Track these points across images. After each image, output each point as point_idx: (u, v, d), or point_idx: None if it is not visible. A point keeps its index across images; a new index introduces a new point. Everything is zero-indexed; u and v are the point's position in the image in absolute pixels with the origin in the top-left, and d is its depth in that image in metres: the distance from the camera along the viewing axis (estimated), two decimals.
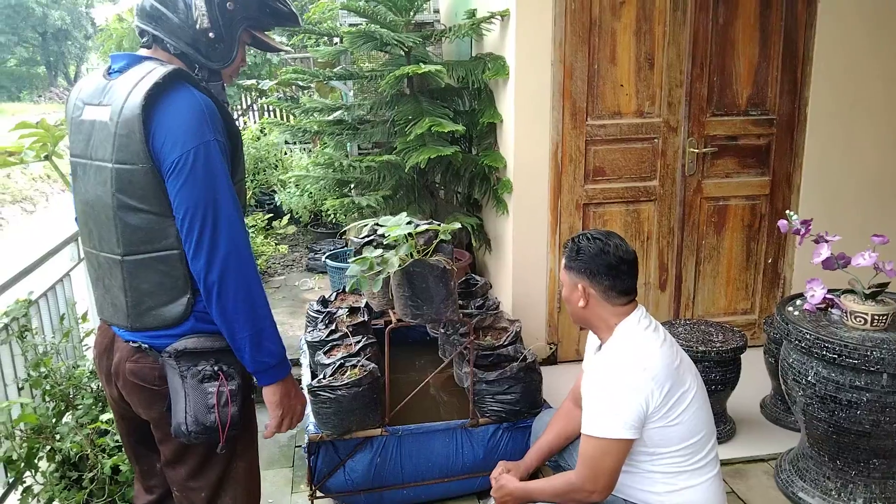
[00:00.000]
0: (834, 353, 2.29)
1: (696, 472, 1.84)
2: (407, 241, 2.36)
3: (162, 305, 1.55)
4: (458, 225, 2.48)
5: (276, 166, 6.37)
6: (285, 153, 6.55)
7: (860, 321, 2.37)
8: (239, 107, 7.69)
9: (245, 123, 6.97)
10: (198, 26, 1.55)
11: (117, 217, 1.51)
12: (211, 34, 1.57)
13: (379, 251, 2.36)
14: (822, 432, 2.43)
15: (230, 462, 1.68)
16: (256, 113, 9.13)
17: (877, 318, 2.34)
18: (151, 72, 1.49)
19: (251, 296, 1.52)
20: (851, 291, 2.46)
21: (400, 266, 2.33)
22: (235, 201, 1.52)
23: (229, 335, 1.54)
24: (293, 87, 6.31)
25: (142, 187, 1.48)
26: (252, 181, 5.83)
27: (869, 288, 2.38)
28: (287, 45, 1.78)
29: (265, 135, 6.31)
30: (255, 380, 1.67)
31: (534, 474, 2.20)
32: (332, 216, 5.36)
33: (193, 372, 1.54)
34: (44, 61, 28.25)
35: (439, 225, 2.42)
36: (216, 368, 1.55)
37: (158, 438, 1.67)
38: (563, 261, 1.96)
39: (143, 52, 1.62)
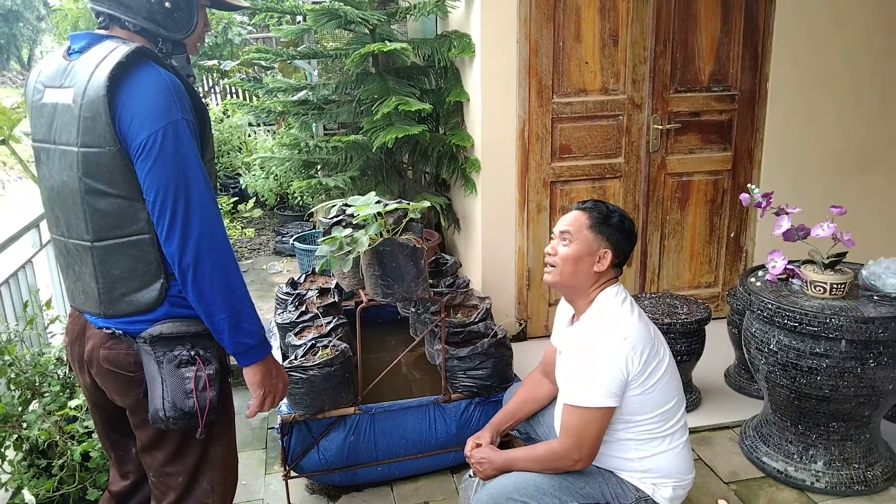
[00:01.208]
0: (794, 322, 2.36)
1: (667, 438, 1.90)
2: (376, 220, 2.36)
3: (135, 291, 1.53)
4: (427, 204, 2.48)
5: (241, 149, 6.28)
6: (249, 135, 6.46)
7: (819, 290, 2.44)
8: (201, 89, 7.54)
9: (208, 105, 6.85)
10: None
11: (85, 202, 1.48)
12: (167, 3, 1.52)
13: (348, 231, 2.36)
14: (784, 398, 2.50)
15: (207, 446, 1.67)
16: (218, 95, 8.98)
17: (835, 286, 2.42)
18: (114, 51, 1.45)
19: (227, 277, 1.50)
20: (811, 262, 2.53)
21: (370, 245, 2.32)
22: (206, 181, 1.49)
23: (207, 317, 1.52)
24: (256, 67, 6.21)
25: (109, 171, 1.44)
26: (216, 164, 5.75)
27: (828, 258, 2.45)
28: (244, 5, 1.73)
29: (228, 117, 6.21)
30: (232, 362, 1.67)
31: (505, 446, 2.23)
32: (299, 198, 5.32)
33: (170, 357, 1.52)
34: None
35: (408, 204, 2.42)
36: (193, 353, 1.54)
37: (134, 424, 1.65)
38: (587, 220, 1.92)
39: (103, 31, 1.57)
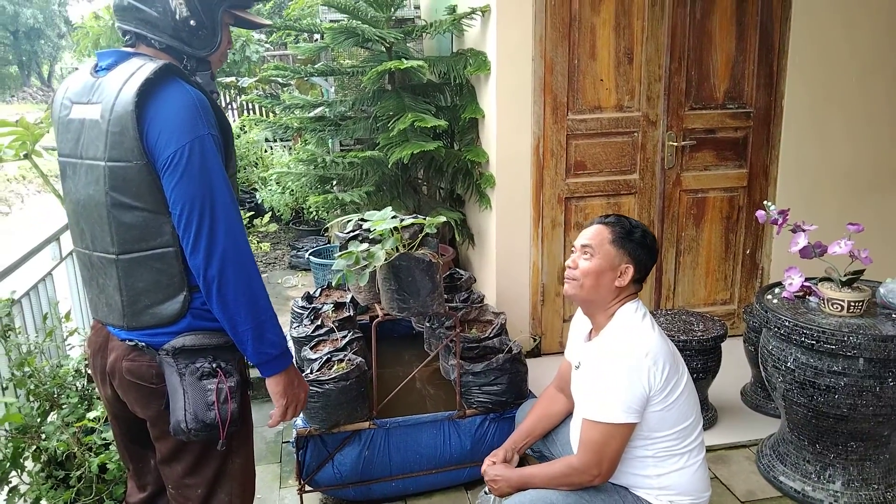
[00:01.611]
0: (812, 339, 2.34)
1: (685, 455, 1.89)
2: (392, 234, 2.38)
3: (158, 304, 1.55)
4: (442, 218, 2.50)
5: (257, 164, 6.34)
6: (265, 151, 6.53)
7: (837, 308, 2.43)
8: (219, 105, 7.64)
9: None
10: (177, 16, 1.55)
11: (111, 216, 1.50)
12: (192, 22, 1.56)
13: (365, 245, 2.38)
14: (801, 417, 2.48)
15: (226, 458, 1.68)
16: (235, 111, 9.08)
17: (853, 304, 2.40)
18: (141, 67, 1.48)
19: (251, 288, 1.52)
20: (828, 279, 2.52)
21: (386, 260, 2.34)
22: (231, 194, 1.52)
23: (231, 328, 1.53)
24: (273, 84, 6.28)
25: (136, 185, 1.47)
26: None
27: (845, 275, 2.44)
28: (267, 24, 1.78)
29: (245, 132, 6.28)
30: (252, 374, 1.68)
31: (521, 464, 2.23)
32: (315, 213, 5.37)
33: (192, 369, 1.54)
34: (16, 60, 27.78)
35: (424, 219, 2.43)
36: (214, 365, 1.55)
37: (154, 436, 1.67)
38: (609, 234, 1.92)
39: (129, 49, 1.61)
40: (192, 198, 1.46)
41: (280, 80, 5.10)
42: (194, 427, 1.52)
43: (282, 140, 6.67)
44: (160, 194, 1.48)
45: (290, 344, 3.10)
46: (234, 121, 6.73)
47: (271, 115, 5.60)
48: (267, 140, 6.54)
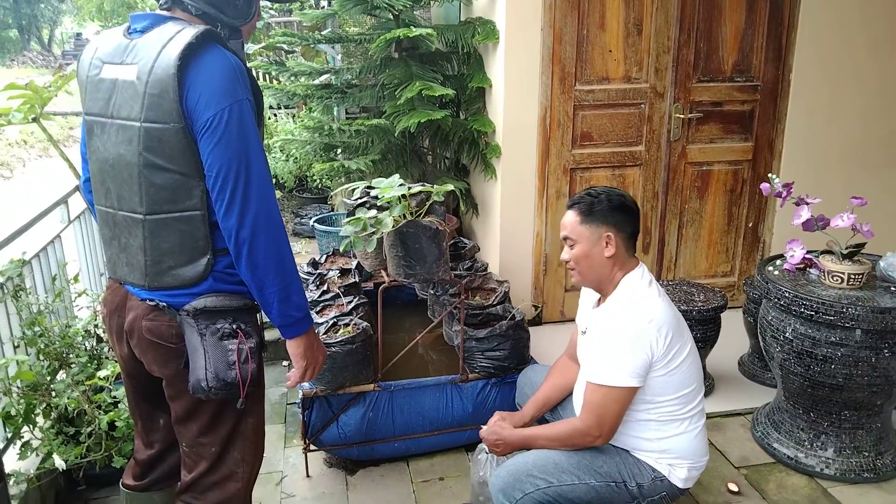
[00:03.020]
0: (811, 311, 2.38)
1: (686, 420, 1.93)
2: (400, 202, 2.40)
3: (182, 265, 1.56)
4: (450, 186, 2.52)
5: None
6: (269, 118, 6.50)
7: (837, 280, 2.46)
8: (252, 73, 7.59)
9: None
10: None
11: (142, 176, 1.52)
12: None
13: (373, 212, 2.40)
14: (797, 386, 2.53)
15: (240, 418, 1.72)
16: None
17: (853, 276, 2.44)
18: (181, 31, 1.49)
19: (280, 251, 1.54)
20: (829, 252, 2.55)
21: (394, 227, 2.37)
22: (265, 160, 1.54)
23: (258, 290, 1.55)
24: (277, 50, 6.24)
25: (171, 147, 1.49)
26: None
27: (846, 248, 2.47)
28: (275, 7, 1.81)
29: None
30: (264, 337, 1.72)
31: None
32: (318, 181, 5.37)
33: (212, 329, 1.56)
34: (15, 24, 27.47)
35: (432, 187, 2.46)
36: (235, 326, 1.57)
37: (170, 395, 1.70)
38: (578, 216, 1.94)
39: (165, 13, 1.61)
40: (228, 160, 1.48)
41: (285, 46, 5.08)
42: (215, 385, 1.55)
43: (286, 108, 6.64)
44: (193, 157, 1.50)
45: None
46: None
47: (275, 82, 5.58)
48: (271, 108, 6.51)
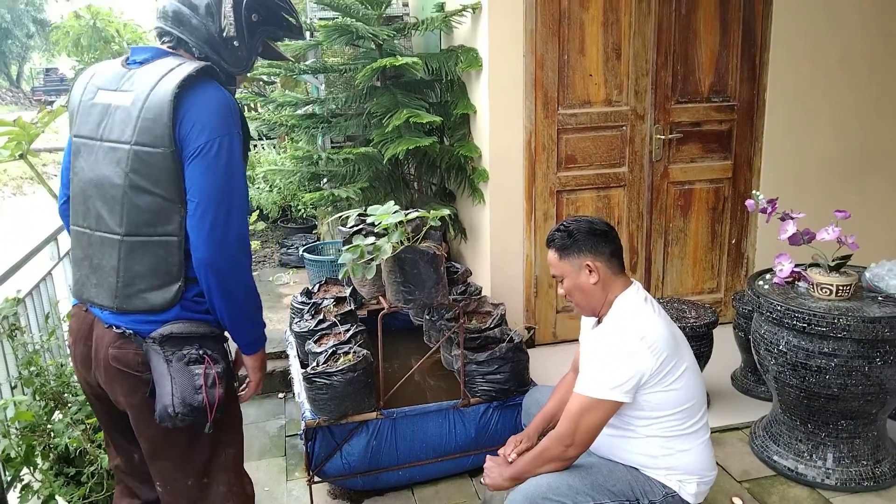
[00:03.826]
0: (803, 323, 2.44)
1: (690, 436, 1.96)
2: (398, 228, 2.42)
3: (152, 290, 1.59)
4: (446, 211, 2.56)
5: None
6: (251, 149, 6.52)
7: (826, 292, 2.52)
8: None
9: None
10: (224, 34, 1.65)
11: (126, 197, 1.56)
12: (235, 42, 1.67)
13: (371, 239, 2.42)
14: (793, 398, 2.58)
15: (217, 449, 1.72)
16: None
17: (841, 288, 2.50)
18: (182, 65, 1.57)
19: (250, 279, 1.63)
20: (816, 265, 2.62)
21: (392, 252, 2.39)
22: (247, 194, 1.61)
23: (230, 315, 1.62)
24: (257, 81, 6.27)
25: (158, 170, 1.54)
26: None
27: (833, 261, 2.54)
28: (288, 58, 1.90)
29: None
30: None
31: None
32: (303, 210, 5.38)
33: (179, 356, 1.57)
34: None
35: (429, 212, 2.49)
36: (201, 352, 1.60)
37: (137, 430, 1.68)
38: (556, 254, 2.01)
39: (167, 49, 1.69)
40: (213, 188, 1.53)
41: (265, 77, 5.11)
42: (181, 411, 1.55)
43: (268, 138, 6.66)
44: (178, 183, 1.55)
45: (291, 339, 3.14)
46: None
47: (253, 112, 5.60)
48: (252, 139, 6.53)
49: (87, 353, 1.69)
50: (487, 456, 2.15)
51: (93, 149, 1.62)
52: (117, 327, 1.61)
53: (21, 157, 3.12)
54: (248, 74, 1.83)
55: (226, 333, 1.71)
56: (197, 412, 1.57)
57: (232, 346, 1.75)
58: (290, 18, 1.77)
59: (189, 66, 1.56)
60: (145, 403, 1.62)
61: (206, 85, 1.57)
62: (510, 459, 2.06)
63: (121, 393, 1.66)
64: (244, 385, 1.85)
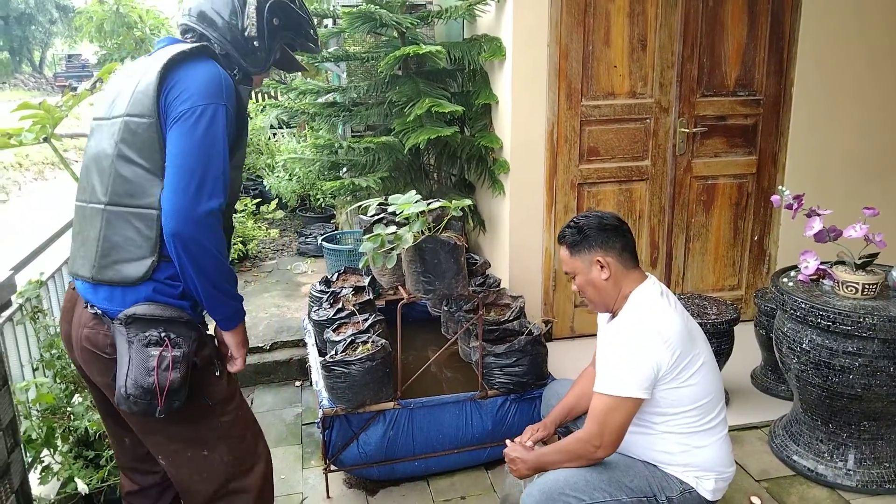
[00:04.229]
0: (828, 321, 2.40)
1: (707, 432, 1.94)
2: (419, 218, 2.41)
3: (126, 261, 1.60)
4: (468, 201, 2.54)
5: (262, 151, 6.35)
6: (270, 138, 6.53)
7: (851, 290, 2.48)
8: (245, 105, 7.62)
9: None
10: (246, 33, 1.71)
11: (113, 167, 1.60)
12: (255, 42, 1.73)
13: (392, 228, 2.41)
14: (815, 397, 2.54)
15: (207, 421, 1.73)
16: None
17: (867, 286, 2.46)
18: (183, 46, 1.65)
19: (219, 253, 1.60)
20: (842, 262, 2.58)
21: (413, 242, 2.38)
22: (226, 168, 1.59)
23: (203, 289, 1.60)
24: (280, 71, 6.28)
25: (142, 140, 1.58)
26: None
27: (860, 258, 2.50)
28: (304, 68, 1.99)
29: (251, 118, 6.28)
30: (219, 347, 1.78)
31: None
32: (322, 200, 5.39)
33: (140, 337, 1.58)
34: (7, 47, 27.49)
35: (450, 202, 2.47)
36: (164, 335, 1.59)
37: (123, 412, 1.70)
38: (567, 251, 2.00)
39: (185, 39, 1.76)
40: (188, 155, 1.54)
41: None
42: (133, 393, 1.55)
43: (288, 126, 6.67)
44: (160, 155, 1.57)
45: (309, 327, 3.15)
46: None
47: (273, 100, 5.62)
48: (272, 127, 6.55)
49: (69, 332, 1.73)
50: (507, 441, 2.14)
51: (101, 127, 1.68)
52: (92, 306, 1.63)
53: (45, 140, 3.14)
54: (265, 76, 1.86)
55: (200, 320, 1.71)
56: (149, 394, 1.56)
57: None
58: (311, 30, 1.84)
59: (186, 45, 1.63)
60: (112, 386, 1.64)
61: (201, 60, 1.62)
62: (527, 446, 2.06)
63: (95, 373, 1.70)
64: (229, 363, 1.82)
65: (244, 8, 1.70)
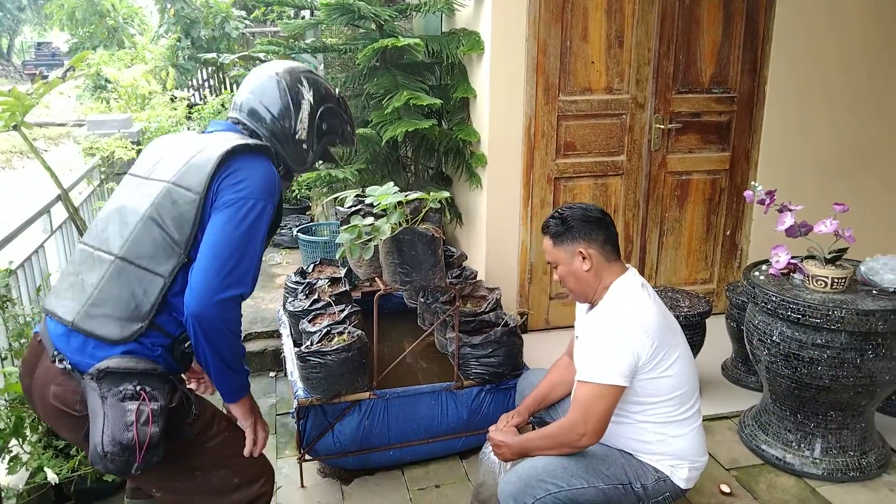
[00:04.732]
0: (798, 314, 2.45)
1: (683, 422, 1.97)
2: (396, 209, 2.41)
3: (114, 318, 1.58)
4: (446, 193, 2.55)
5: None
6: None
7: (821, 284, 2.54)
8: (196, 81, 7.51)
9: (204, 98, 6.85)
10: (297, 136, 1.80)
11: (140, 224, 1.61)
12: (304, 145, 1.82)
13: (370, 219, 2.41)
14: (784, 388, 2.60)
15: (194, 452, 1.70)
16: (207, 90, 8.94)
17: (837, 280, 2.51)
18: (245, 138, 1.72)
19: (234, 337, 1.62)
20: (812, 257, 2.63)
21: (391, 233, 2.38)
22: (259, 261, 1.65)
23: (212, 363, 1.61)
24: (253, 60, 6.22)
25: (180, 211, 1.60)
26: None
27: (829, 253, 2.55)
28: (336, 160, 2.15)
29: (226, 109, 6.21)
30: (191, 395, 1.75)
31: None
32: (297, 191, 5.35)
33: (114, 392, 1.53)
34: None
35: (428, 193, 2.47)
36: (139, 388, 1.54)
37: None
38: (551, 241, 2.03)
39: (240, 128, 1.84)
40: (227, 241, 1.57)
41: (262, 57, 5.07)
42: (111, 451, 1.50)
43: None
44: (190, 230, 1.60)
45: (284, 318, 3.13)
46: (215, 96, 6.63)
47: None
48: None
49: (30, 387, 1.68)
50: (490, 427, 2.17)
51: (137, 183, 1.71)
52: (60, 360, 1.59)
53: (15, 128, 3.09)
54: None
55: (172, 370, 1.68)
56: (126, 451, 1.50)
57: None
58: (351, 132, 1.94)
59: (250, 140, 1.70)
60: (85, 444, 1.59)
61: (260, 156, 1.69)
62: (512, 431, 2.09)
63: (64, 431, 1.68)
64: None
65: (298, 112, 1.78)
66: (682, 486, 1.98)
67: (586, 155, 3.65)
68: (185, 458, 1.69)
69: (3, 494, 2.21)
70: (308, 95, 1.80)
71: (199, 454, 1.71)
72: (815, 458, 2.60)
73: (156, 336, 1.61)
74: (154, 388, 1.57)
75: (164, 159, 1.69)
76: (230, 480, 1.75)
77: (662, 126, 3.68)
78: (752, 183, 2.78)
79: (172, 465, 1.67)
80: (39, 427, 2.37)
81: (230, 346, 1.61)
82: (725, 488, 2.54)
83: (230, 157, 1.62)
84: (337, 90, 1.92)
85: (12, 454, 2.30)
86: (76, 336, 1.59)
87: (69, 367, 1.58)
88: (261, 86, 1.79)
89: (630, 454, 1.98)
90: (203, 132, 1.82)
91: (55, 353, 1.60)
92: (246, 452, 1.76)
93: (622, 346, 1.87)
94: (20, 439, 2.30)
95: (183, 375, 1.78)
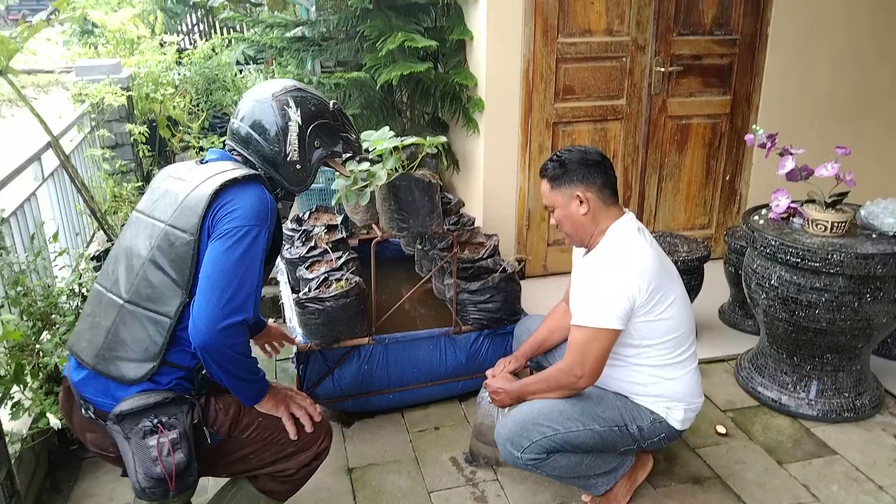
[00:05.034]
0: (797, 258, 2.45)
1: (678, 365, 1.98)
2: (393, 154, 2.38)
3: (128, 360, 1.65)
4: (443, 138, 2.50)
5: (228, 88, 6.16)
6: (236, 74, 6.33)
7: (820, 228, 2.52)
8: (185, 26, 7.32)
9: (194, 43, 6.68)
10: (288, 158, 1.81)
11: (143, 268, 1.67)
12: (298, 165, 1.83)
13: (366, 165, 2.37)
14: (781, 332, 2.61)
15: (242, 441, 1.78)
16: (196, 35, 8.73)
17: (836, 224, 2.50)
18: (235, 169, 1.73)
19: (243, 357, 1.66)
20: (812, 201, 2.61)
21: (387, 180, 2.35)
22: (259, 286, 1.67)
23: (227, 382, 1.68)
24: (243, 3, 6.05)
25: (177, 253, 1.64)
26: (205, 102, 5.64)
27: (830, 197, 2.53)
28: (346, 172, 2.06)
29: (216, 54, 6.07)
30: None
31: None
32: None
33: (135, 430, 1.62)
34: None
35: (425, 139, 2.43)
36: (156, 422, 1.62)
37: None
38: (549, 184, 2.01)
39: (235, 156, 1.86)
40: (226, 271, 1.60)
41: None
42: (148, 486, 1.61)
43: (255, 62, 6.48)
44: (189, 270, 1.64)
45: (281, 265, 3.12)
46: (204, 41, 6.47)
47: (240, 34, 5.44)
48: (238, 63, 6.34)
49: (75, 430, 1.80)
50: (487, 372, 2.18)
51: (140, 222, 1.75)
52: (87, 410, 1.68)
53: (1, 73, 3.01)
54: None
55: (187, 390, 1.72)
56: (161, 483, 1.61)
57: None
58: (352, 138, 1.93)
59: (239, 171, 1.71)
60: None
61: (252, 185, 1.70)
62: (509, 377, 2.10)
63: (113, 464, 1.77)
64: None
65: (286, 135, 1.79)
66: (678, 427, 2.00)
67: (585, 99, 3.59)
68: (231, 453, 1.79)
69: (7, 440, 2.22)
70: (296, 117, 1.80)
71: (242, 446, 1.79)
72: (811, 400, 2.63)
73: (170, 372, 1.67)
74: (171, 416, 1.64)
75: (163, 197, 1.73)
76: (285, 450, 1.82)
77: (663, 69, 3.61)
78: (754, 126, 2.74)
79: (223, 458, 1.77)
80: (40, 374, 2.38)
81: (241, 366, 1.67)
82: (721, 429, 2.58)
83: (218, 196, 1.65)
84: (332, 102, 1.91)
85: (14, 400, 2.31)
86: (99, 379, 1.68)
87: (93, 415, 1.67)
88: (250, 112, 1.82)
89: (626, 397, 2.00)
90: (201, 162, 1.83)
91: (81, 401, 1.70)
92: (292, 436, 1.80)
93: (617, 290, 1.87)
94: (21, 386, 2.31)
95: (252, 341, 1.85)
